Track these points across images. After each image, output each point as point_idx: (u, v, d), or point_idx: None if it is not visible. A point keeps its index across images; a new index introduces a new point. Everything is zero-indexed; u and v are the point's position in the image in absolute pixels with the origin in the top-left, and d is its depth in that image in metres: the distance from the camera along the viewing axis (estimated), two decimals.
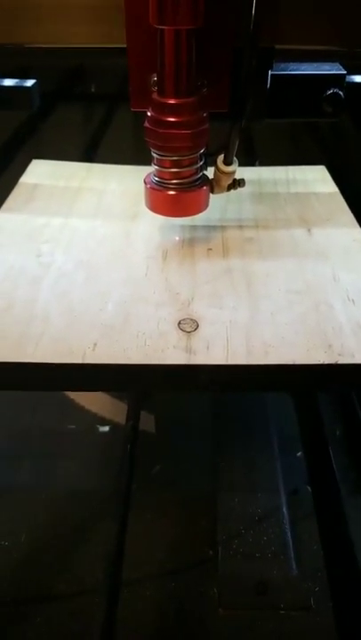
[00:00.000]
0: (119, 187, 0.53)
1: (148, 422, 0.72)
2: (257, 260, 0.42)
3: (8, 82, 0.45)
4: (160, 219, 0.46)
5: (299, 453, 0.62)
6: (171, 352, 0.33)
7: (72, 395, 0.77)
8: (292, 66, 0.43)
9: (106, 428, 0.74)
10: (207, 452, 0.58)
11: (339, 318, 0.36)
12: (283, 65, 0.43)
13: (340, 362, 0.32)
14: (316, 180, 0.57)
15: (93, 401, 0.76)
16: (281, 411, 0.61)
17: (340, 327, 0.35)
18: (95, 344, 0.33)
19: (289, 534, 0.46)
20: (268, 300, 0.37)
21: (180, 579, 0.46)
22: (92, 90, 1.01)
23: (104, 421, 0.75)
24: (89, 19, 0.42)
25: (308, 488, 0.57)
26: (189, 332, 0.34)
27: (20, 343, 0.33)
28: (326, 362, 0.32)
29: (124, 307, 0.37)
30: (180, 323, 0.35)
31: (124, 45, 0.39)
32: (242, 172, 0.43)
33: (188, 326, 0.35)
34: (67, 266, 0.41)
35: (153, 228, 0.46)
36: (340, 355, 0.33)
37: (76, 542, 0.52)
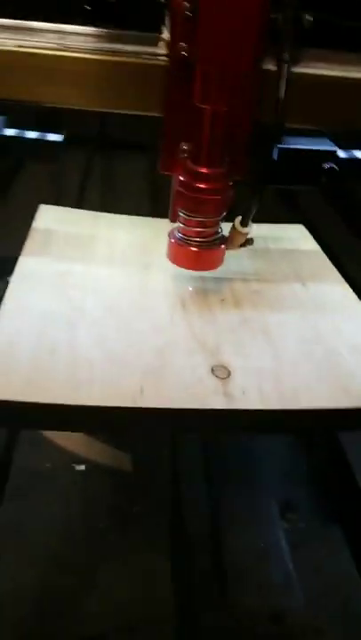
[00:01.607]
0: (128, 236, 0.56)
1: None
2: (268, 312, 0.46)
3: (34, 134, 0.47)
4: (171, 269, 0.49)
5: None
6: (212, 397, 0.36)
7: (47, 434, 0.76)
8: (291, 140, 0.50)
9: (82, 467, 0.74)
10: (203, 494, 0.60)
11: (350, 365, 0.40)
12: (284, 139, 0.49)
13: (358, 405, 0.37)
14: (298, 237, 0.63)
15: (68, 440, 0.76)
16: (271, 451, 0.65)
17: (352, 373, 0.40)
18: (142, 389, 0.35)
19: (291, 565, 0.49)
20: (286, 349, 0.42)
21: (194, 617, 0.47)
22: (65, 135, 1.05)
23: (80, 460, 0.75)
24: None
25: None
26: (224, 379, 0.38)
27: (73, 386, 0.34)
28: (348, 405, 0.36)
29: (159, 354, 0.39)
30: (213, 370, 0.38)
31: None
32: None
33: (222, 373, 0.38)
34: (96, 312, 0.43)
35: (167, 278, 0.50)
36: (357, 397, 0.37)
37: (76, 588, 0.51)
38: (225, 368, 0.39)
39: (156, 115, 0.43)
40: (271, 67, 0.41)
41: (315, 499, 0.58)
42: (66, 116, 0.47)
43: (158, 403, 0.35)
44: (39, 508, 0.64)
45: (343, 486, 0.47)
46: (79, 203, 0.73)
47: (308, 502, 0.57)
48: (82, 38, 0.40)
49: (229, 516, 0.53)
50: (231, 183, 0.42)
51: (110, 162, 0.82)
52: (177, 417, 0.35)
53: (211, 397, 0.36)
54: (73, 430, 0.35)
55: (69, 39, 0.40)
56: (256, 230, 0.63)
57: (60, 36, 0.39)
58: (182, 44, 0.38)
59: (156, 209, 0.61)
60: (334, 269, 0.56)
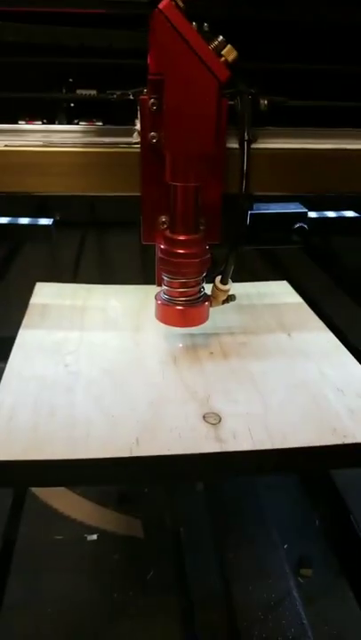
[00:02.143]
0: (119, 304, 0.60)
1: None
2: (254, 361, 0.49)
3: (26, 220, 0.52)
4: (162, 329, 0.53)
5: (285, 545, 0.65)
6: (204, 442, 0.38)
7: (55, 504, 0.76)
8: (263, 206, 0.55)
9: (94, 537, 0.73)
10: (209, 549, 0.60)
11: (335, 406, 0.43)
12: (256, 205, 0.54)
13: (345, 442, 0.38)
14: (282, 292, 0.67)
15: (78, 510, 0.76)
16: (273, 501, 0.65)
17: (337, 413, 0.42)
18: (137, 440, 0.38)
19: (303, 616, 0.48)
20: (273, 394, 0.44)
21: None
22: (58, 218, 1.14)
23: (91, 530, 0.74)
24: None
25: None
26: (215, 424, 0.40)
27: (71, 443, 0.37)
28: (336, 442, 0.38)
29: (152, 406, 0.42)
30: (204, 416, 0.41)
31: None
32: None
33: (213, 419, 0.40)
34: (92, 373, 0.46)
35: (158, 337, 0.53)
36: (344, 436, 0.39)
37: None
38: (216, 415, 0.41)
39: (136, 194, 0.48)
40: (235, 145, 0.47)
41: (324, 549, 0.58)
42: (56, 201, 0.52)
43: (154, 451, 0.37)
44: (51, 579, 0.64)
45: (344, 535, 0.47)
46: (74, 278, 0.78)
47: (319, 554, 0.57)
48: (64, 135, 0.47)
49: (239, 571, 0.52)
50: (208, 246, 0.47)
51: (101, 239, 0.89)
52: (172, 463, 0.36)
53: (203, 442, 0.38)
54: (71, 484, 0.36)
55: (54, 136, 0.46)
56: (242, 288, 0.68)
57: (45, 134, 0.45)
58: (152, 133, 0.44)
59: (147, 278, 0.65)
60: (318, 319, 0.59)
